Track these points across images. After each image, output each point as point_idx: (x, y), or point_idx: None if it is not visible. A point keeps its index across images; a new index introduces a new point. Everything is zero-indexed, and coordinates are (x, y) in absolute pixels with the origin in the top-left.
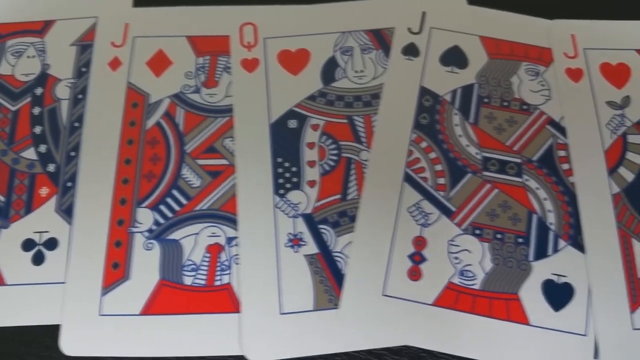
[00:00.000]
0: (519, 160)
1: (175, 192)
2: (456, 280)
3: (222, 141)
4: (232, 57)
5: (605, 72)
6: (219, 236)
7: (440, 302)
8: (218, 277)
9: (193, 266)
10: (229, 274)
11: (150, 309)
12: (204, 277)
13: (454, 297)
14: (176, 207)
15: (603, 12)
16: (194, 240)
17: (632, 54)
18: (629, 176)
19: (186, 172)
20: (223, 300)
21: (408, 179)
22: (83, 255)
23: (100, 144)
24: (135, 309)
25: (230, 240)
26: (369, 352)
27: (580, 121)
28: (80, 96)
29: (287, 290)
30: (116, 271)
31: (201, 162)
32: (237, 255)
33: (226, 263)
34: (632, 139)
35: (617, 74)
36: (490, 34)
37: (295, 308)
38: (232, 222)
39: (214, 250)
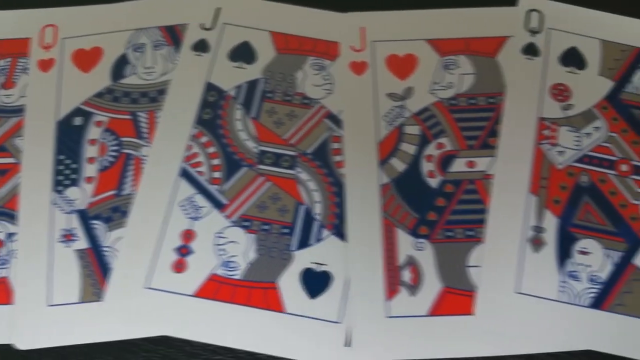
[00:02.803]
0: (294, 153)
1: None
2: (219, 271)
3: (12, 140)
4: (30, 58)
5: (390, 64)
6: (0, 232)
7: (201, 293)
8: None
9: None
10: (7, 267)
11: None
12: None
13: (215, 288)
14: None
15: (401, 3)
16: None
17: (422, 44)
18: (400, 166)
19: None
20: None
21: (184, 173)
22: None
23: None
24: None
25: (10, 235)
26: (129, 342)
27: (357, 113)
28: None
29: (56, 283)
30: None
31: None
32: (16, 250)
33: (6, 257)
34: (408, 129)
35: (402, 65)
36: (281, 29)
37: (62, 300)
38: (13, 218)
39: None
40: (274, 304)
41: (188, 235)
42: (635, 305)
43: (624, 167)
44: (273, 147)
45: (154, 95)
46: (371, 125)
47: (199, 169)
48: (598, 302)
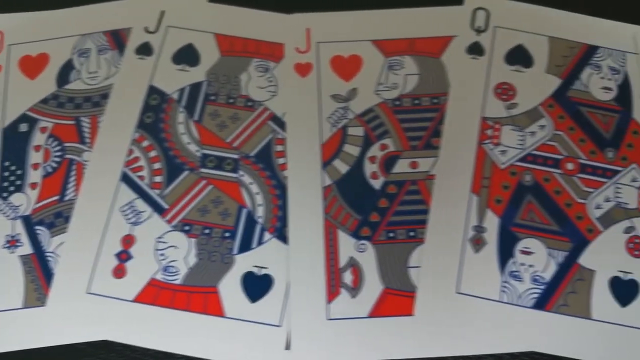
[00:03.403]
0: (236, 156)
1: None
2: (159, 276)
3: None
4: None
5: (335, 65)
6: None
7: (141, 298)
8: None
9: None
10: None
11: None
12: None
13: (155, 293)
14: None
15: (346, 3)
16: None
17: (367, 44)
18: (343, 168)
19: None
20: None
21: (125, 178)
22: None
23: None
24: None
25: None
26: (71, 346)
27: (301, 115)
28: None
29: (0, 289)
30: None
31: None
32: None
33: None
34: (352, 131)
35: (347, 67)
36: (226, 31)
37: (6, 306)
38: None
39: None
40: (214, 308)
41: (128, 240)
42: (579, 305)
43: (569, 166)
44: (215, 150)
45: (97, 100)
46: (315, 127)
47: (139, 173)
48: (541, 303)
